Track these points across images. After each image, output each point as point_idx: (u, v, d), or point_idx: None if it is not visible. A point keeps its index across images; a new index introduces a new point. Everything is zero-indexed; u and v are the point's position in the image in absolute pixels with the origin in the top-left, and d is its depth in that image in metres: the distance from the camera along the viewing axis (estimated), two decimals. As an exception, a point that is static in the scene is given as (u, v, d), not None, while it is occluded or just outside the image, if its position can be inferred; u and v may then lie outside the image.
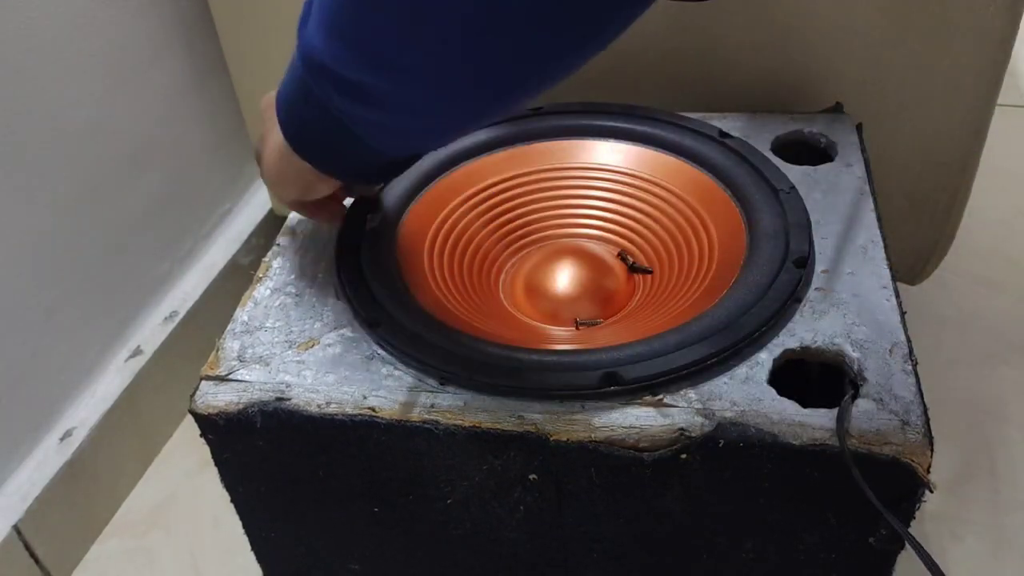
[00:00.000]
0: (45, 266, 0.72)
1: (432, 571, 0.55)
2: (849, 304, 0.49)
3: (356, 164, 0.46)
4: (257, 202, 0.99)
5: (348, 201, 0.58)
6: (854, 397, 0.44)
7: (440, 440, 0.46)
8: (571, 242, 0.61)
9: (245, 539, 0.57)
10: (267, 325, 0.52)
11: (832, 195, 0.57)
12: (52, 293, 0.73)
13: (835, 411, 0.43)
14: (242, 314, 0.53)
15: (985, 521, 0.71)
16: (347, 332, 0.51)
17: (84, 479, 0.76)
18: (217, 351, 0.50)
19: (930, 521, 0.72)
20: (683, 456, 0.44)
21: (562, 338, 0.55)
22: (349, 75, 0.38)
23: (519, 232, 0.62)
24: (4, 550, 0.69)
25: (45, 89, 0.70)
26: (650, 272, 0.58)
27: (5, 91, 0.66)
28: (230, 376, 0.49)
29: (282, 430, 0.48)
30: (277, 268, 0.56)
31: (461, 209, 0.60)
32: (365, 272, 0.53)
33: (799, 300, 0.49)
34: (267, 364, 0.49)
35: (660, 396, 0.45)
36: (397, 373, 0.48)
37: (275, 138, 0.47)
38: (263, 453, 0.50)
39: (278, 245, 0.58)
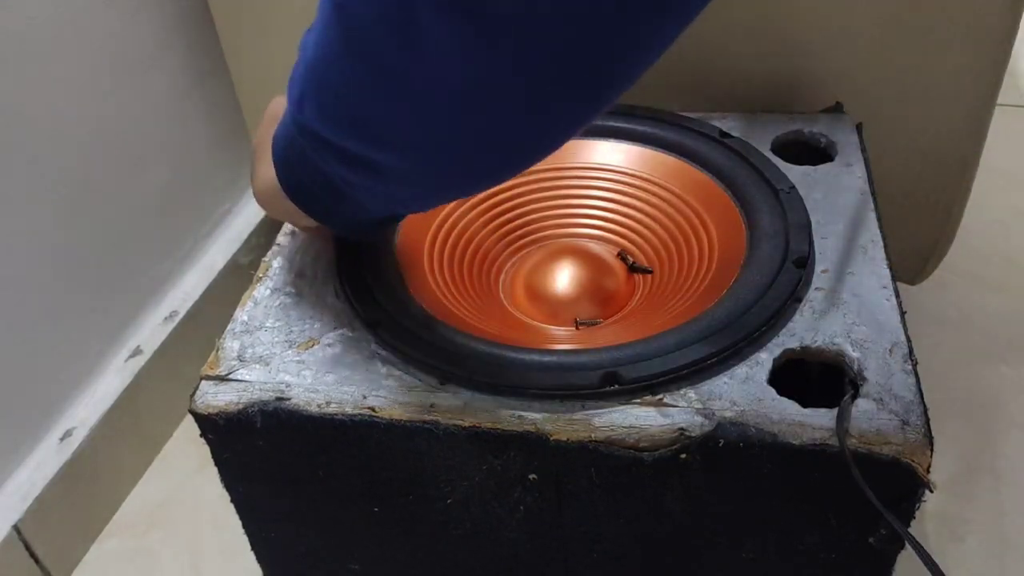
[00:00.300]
0: (45, 266, 0.72)
1: (432, 571, 0.55)
2: (849, 304, 0.49)
3: (348, 220, 0.47)
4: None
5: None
6: (854, 397, 0.44)
7: (440, 440, 0.46)
8: (571, 242, 0.61)
9: (245, 539, 0.57)
10: (267, 325, 0.52)
11: (832, 195, 0.57)
12: (52, 293, 0.73)
13: (835, 411, 0.43)
14: (242, 314, 0.53)
15: (985, 521, 0.71)
16: (347, 332, 0.51)
17: (84, 479, 0.76)
18: (217, 351, 0.50)
19: (930, 521, 0.72)
20: (683, 456, 0.44)
21: (562, 338, 0.55)
22: (347, 147, 0.38)
23: (519, 232, 0.62)
24: (4, 550, 0.69)
25: (45, 89, 0.70)
26: (650, 272, 0.58)
27: (5, 91, 0.66)
28: (230, 376, 0.49)
29: (282, 430, 0.48)
30: (277, 268, 0.56)
31: (461, 209, 0.60)
32: (365, 272, 0.53)
33: (799, 300, 0.49)
34: (267, 364, 0.49)
35: (660, 396, 0.45)
36: (397, 373, 0.48)
37: (269, 172, 0.46)
38: (263, 453, 0.50)
39: (278, 245, 0.58)
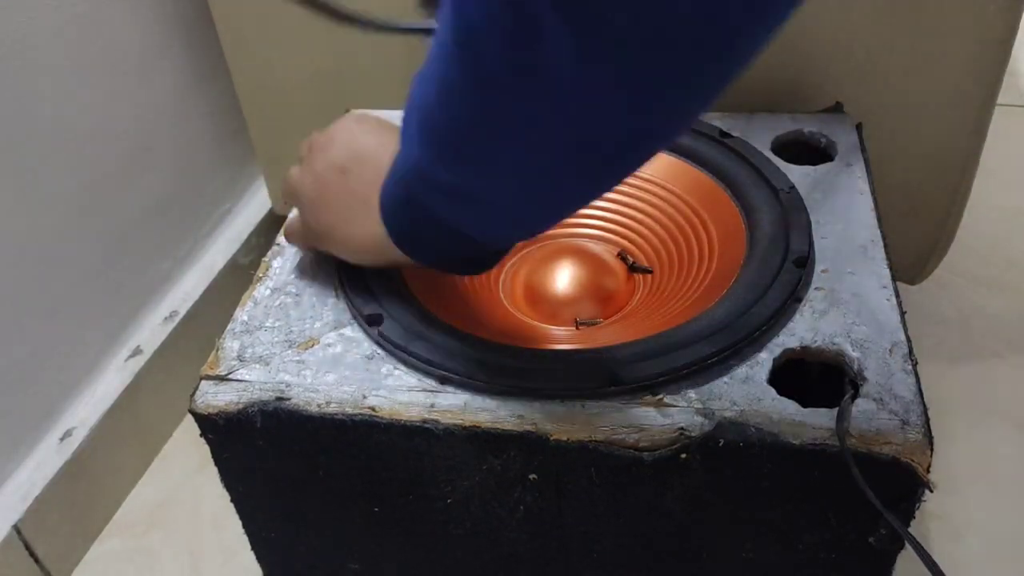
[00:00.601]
0: (45, 266, 0.72)
1: (432, 571, 0.55)
2: (849, 304, 0.49)
3: (466, 259, 0.48)
4: (257, 202, 0.99)
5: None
6: (854, 397, 0.44)
7: (440, 440, 0.46)
8: (571, 242, 0.61)
9: (245, 539, 0.57)
10: (267, 325, 0.52)
11: (832, 195, 0.57)
12: (52, 293, 0.73)
13: (835, 411, 0.43)
14: (242, 314, 0.53)
15: (985, 521, 0.71)
16: (347, 332, 0.51)
17: (84, 479, 0.76)
18: (217, 351, 0.50)
19: (930, 521, 0.72)
20: (683, 456, 0.44)
21: (562, 338, 0.55)
22: (462, 185, 0.39)
23: (519, 232, 0.62)
24: (4, 550, 0.69)
25: (45, 89, 0.70)
26: (650, 272, 0.58)
27: (5, 91, 0.66)
28: (230, 376, 0.49)
29: (282, 430, 0.48)
30: (277, 268, 0.56)
31: (461, 209, 0.60)
32: (365, 272, 0.53)
33: (799, 300, 0.49)
34: (267, 364, 0.49)
35: (660, 396, 0.45)
36: (397, 373, 0.48)
37: (366, 227, 0.47)
38: (263, 453, 0.50)
39: (278, 245, 0.58)
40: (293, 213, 0.57)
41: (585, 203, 0.43)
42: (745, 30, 0.32)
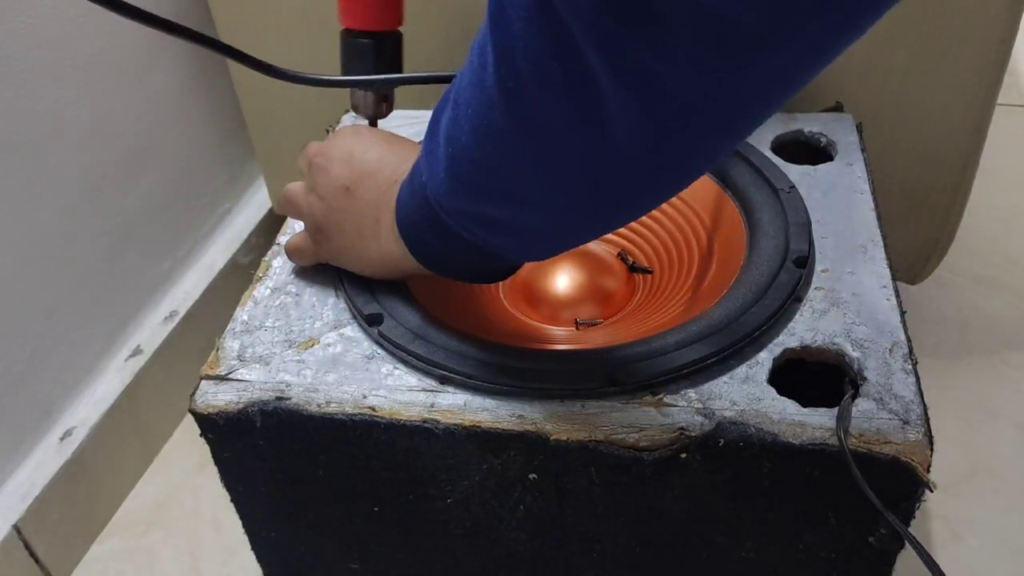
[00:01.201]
0: (45, 266, 0.72)
1: (432, 570, 0.55)
2: (849, 304, 0.49)
3: (492, 271, 0.48)
4: (257, 202, 0.99)
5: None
6: (854, 397, 0.44)
7: (440, 439, 0.46)
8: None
9: (245, 539, 0.57)
10: (267, 324, 0.52)
11: (832, 194, 0.57)
12: (52, 293, 0.73)
13: (835, 411, 0.43)
14: (242, 314, 0.53)
15: (985, 521, 0.71)
16: (347, 331, 0.51)
17: (84, 479, 0.76)
18: (217, 351, 0.50)
19: (930, 521, 0.72)
20: (683, 456, 0.44)
21: (562, 338, 0.55)
22: (492, 213, 0.40)
23: (519, 232, 0.61)
24: (4, 550, 0.69)
25: (45, 89, 0.70)
26: (650, 272, 0.58)
27: (5, 91, 0.66)
28: (230, 376, 0.49)
29: (282, 430, 0.48)
30: (277, 268, 0.56)
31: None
32: (365, 272, 0.53)
33: (799, 299, 0.49)
34: (267, 363, 0.49)
35: (660, 396, 0.45)
36: (397, 372, 0.48)
37: (381, 245, 0.48)
38: (263, 453, 0.50)
39: (278, 244, 0.58)
40: (294, 230, 0.58)
41: (621, 226, 0.44)
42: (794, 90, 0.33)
